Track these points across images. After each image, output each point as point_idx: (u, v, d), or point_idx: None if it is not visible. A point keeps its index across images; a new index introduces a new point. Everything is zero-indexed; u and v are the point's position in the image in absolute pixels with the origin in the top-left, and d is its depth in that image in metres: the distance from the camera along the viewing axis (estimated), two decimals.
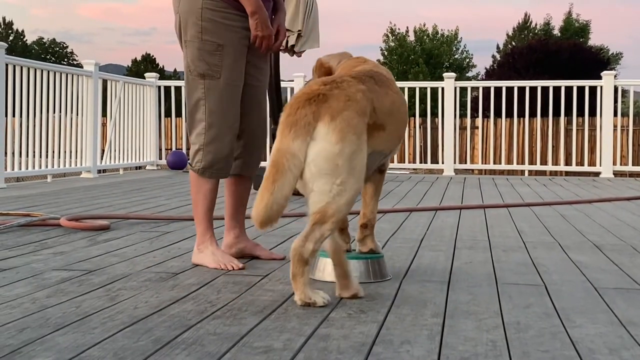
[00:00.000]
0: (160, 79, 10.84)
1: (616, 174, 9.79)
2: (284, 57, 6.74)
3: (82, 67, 8.89)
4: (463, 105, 17.97)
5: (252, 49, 3.18)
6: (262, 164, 3.23)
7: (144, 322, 2.18)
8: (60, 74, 8.18)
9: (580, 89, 9.98)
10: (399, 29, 49.75)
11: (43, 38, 70.90)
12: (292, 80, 10.26)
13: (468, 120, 11.76)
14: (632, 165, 10.18)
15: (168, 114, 10.52)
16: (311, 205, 2.42)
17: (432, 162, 10.70)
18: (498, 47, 47.90)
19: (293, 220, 4.70)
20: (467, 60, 49.57)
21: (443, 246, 3.72)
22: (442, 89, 10.27)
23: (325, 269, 2.86)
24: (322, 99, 2.44)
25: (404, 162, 11.01)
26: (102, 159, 9.10)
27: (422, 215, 5.06)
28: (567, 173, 10.54)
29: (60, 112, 8.19)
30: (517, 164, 10.37)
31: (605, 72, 10.17)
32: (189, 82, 3.17)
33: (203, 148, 3.14)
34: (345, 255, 2.61)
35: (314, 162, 2.38)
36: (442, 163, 10.30)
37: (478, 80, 42.51)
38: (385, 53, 48.66)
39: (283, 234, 4.08)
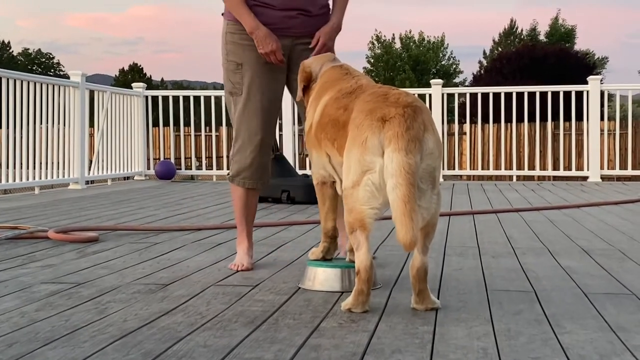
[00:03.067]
0: (147, 88, 10.83)
1: (604, 178, 9.83)
2: None
3: (68, 78, 8.86)
4: (451, 112, 18.04)
5: (290, 66, 3.36)
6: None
7: (134, 335, 2.17)
8: (47, 85, 8.14)
9: (567, 94, 10.03)
10: (384, 35, 49.90)
11: (29, 49, 70.70)
12: None
13: (456, 126, 11.79)
14: (620, 169, 10.22)
15: (156, 123, 10.48)
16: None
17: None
18: (485, 53, 48.10)
19: (283, 229, 4.70)
20: (454, 66, 49.76)
21: (433, 253, 3.72)
22: (430, 95, 10.29)
23: (316, 278, 2.86)
24: (418, 109, 2.44)
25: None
26: (89, 169, 9.06)
27: None
28: (555, 178, 10.57)
29: (47, 123, 8.15)
30: (505, 169, 10.38)
31: (591, 76, 10.23)
32: (226, 100, 3.46)
33: (232, 158, 3.43)
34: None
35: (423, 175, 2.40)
36: None
37: (465, 86, 42.67)
38: (372, 60, 48.77)
39: (272, 243, 4.07)
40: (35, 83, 7.91)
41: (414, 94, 2.58)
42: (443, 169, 10.23)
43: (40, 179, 7.97)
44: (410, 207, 2.28)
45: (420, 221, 2.33)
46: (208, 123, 11.22)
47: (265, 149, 3.38)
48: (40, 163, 8.02)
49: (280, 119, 10.41)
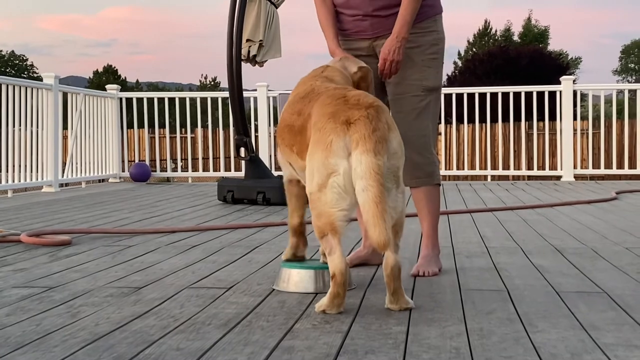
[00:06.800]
0: (122, 90, 10.76)
1: (577, 177, 9.92)
2: (246, 67, 6.73)
3: (42, 80, 8.78)
4: None
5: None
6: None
7: (106, 339, 2.15)
8: (20, 87, 8.07)
9: (540, 94, 10.10)
10: None
11: (1, 51, 70.01)
12: (255, 90, 10.24)
13: None
14: (593, 168, 10.32)
15: (131, 125, 10.41)
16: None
17: None
18: (459, 54, 48.32)
19: (257, 231, 4.69)
20: None
21: (407, 253, 3.73)
22: None
23: (290, 280, 2.85)
24: (380, 110, 2.45)
25: None
26: (63, 172, 8.99)
27: None
28: (529, 177, 10.65)
29: (20, 125, 8.07)
30: (480, 169, 10.45)
31: (564, 77, 10.31)
32: None
33: None
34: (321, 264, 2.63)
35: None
36: None
37: None
38: None
39: (247, 245, 4.07)
40: (7, 85, 7.83)
41: (372, 95, 2.59)
42: None
43: (14, 182, 7.89)
44: (382, 207, 2.30)
45: (390, 221, 2.34)
46: (183, 125, 11.19)
47: None
48: (13, 166, 7.94)
49: (256, 120, 10.39)
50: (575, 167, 9.94)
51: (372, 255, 3.37)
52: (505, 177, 11.30)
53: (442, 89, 3.96)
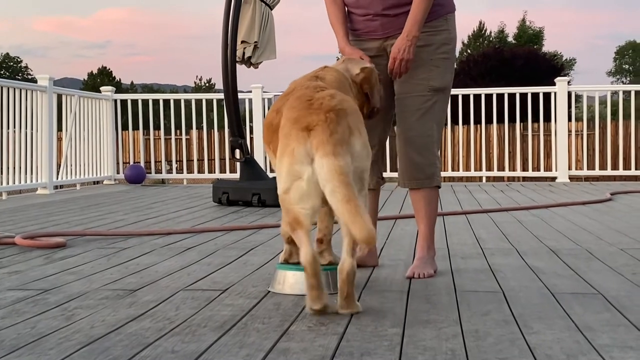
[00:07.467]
0: (117, 92, 10.74)
1: (572, 178, 9.93)
2: (241, 69, 6.73)
3: (36, 81, 8.77)
4: None
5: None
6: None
7: (101, 342, 2.15)
8: (14, 89, 8.05)
9: (535, 95, 10.12)
10: None
11: None
12: (250, 92, 10.24)
13: None
14: (587, 169, 10.32)
15: (125, 127, 10.41)
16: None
17: (391, 171, 10.74)
18: None
19: (253, 233, 4.69)
20: None
21: (403, 255, 3.74)
22: None
23: (285, 282, 2.85)
24: (341, 113, 2.46)
25: None
26: (58, 174, 8.97)
27: (381, 225, 5.06)
28: (524, 178, 10.66)
29: (14, 127, 8.06)
30: (475, 170, 10.45)
31: (558, 78, 10.32)
32: None
33: None
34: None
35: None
36: None
37: None
38: None
39: (242, 247, 4.06)
40: (2, 87, 7.81)
41: (340, 96, 2.58)
42: None
43: (8, 184, 7.87)
44: (355, 204, 2.32)
45: (367, 214, 2.35)
46: (178, 126, 11.14)
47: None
48: (8, 168, 7.93)
49: (251, 121, 10.39)
50: (570, 168, 9.95)
51: (367, 257, 3.36)
52: (500, 179, 11.31)
53: None
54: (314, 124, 2.43)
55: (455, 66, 3.46)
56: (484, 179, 10.38)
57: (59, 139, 9.91)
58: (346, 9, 3.42)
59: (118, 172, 10.29)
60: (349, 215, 2.31)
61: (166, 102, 10.61)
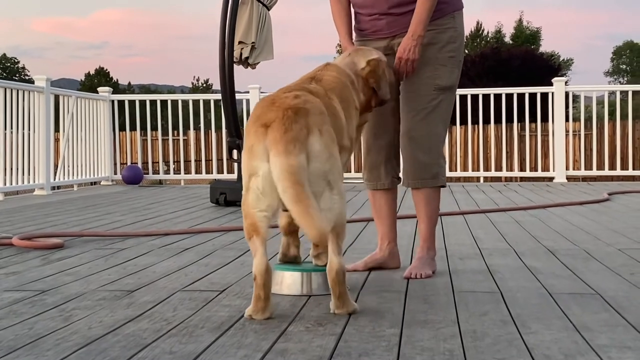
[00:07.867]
0: (114, 92, 10.73)
1: (569, 178, 9.94)
2: (238, 69, 6.72)
3: (33, 82, 8.75)
4: None
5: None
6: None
7: (98, 343, 2.14)
8: (11, 90, 8.04)
9: (532, 96, 10.12)
10: None
11: None
12: (247, 92, 10.23)
13: None
14: (585, 169, 10.34)
15: (123, 127, 10.38)
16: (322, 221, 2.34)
17: None
18: None
19: None
20: None
21: (401, 255, 3.73)
22: None
23: (283, 282, 2.85)
24: (300, 111, 2.43)
25: (361, 172, 11.02)
26: (55, 175, 8.96)
27: None
28: (522, 179, 10.66)
29: (12, 128, 8.05)
30: (473, 170, 10.46)
31: (556, 78, 10.33)
32: None
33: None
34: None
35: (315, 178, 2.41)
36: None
37: None
38: None
39: (241, 247, 4.06)
40: None
41: (305, 97, 2.55)
42: None
43: (5, 185, 7.86)
44: (305, 204, 2.29)
45: (320, 213, 2.32)
46: (176, 127, 11.15)
47: (375, 148, 3.42)
48: (5, 169, 7.91)
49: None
50: (567, 168, 9.95)
51: (388, 259, 3.36)
52: (498, 179, 11.31)
53: None
54: (271, 120, 2.41)
55: (461, 64, 3.43)
56: (481, 179, 10.38)
57: (56, 140, 9.89)
58: (352, 9, 3.42)
59: (115, 173, 10.28)
60: (298, 215, 2.30)
61: (164, 102, 10.60)
